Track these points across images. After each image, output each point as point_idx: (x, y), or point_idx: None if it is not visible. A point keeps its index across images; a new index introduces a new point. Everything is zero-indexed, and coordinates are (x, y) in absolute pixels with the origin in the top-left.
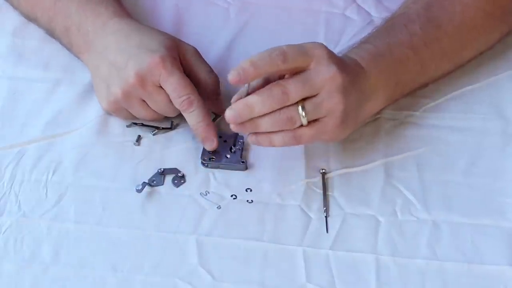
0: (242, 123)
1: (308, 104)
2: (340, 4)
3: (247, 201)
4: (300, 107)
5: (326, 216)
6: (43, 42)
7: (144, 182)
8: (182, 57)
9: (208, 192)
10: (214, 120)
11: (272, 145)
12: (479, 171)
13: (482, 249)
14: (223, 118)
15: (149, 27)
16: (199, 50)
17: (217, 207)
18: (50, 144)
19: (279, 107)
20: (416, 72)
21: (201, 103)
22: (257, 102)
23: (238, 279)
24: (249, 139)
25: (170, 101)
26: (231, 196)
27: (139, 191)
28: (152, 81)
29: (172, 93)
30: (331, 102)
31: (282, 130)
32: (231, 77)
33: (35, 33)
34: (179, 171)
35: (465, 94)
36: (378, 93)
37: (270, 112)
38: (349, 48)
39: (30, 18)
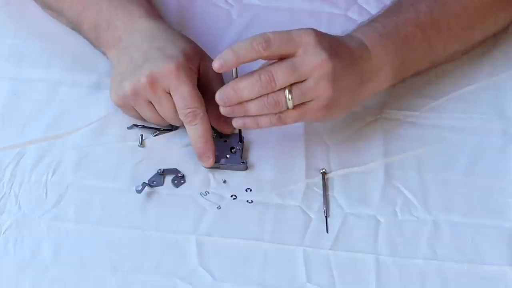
0: (231, 106)
1: (295, 89)
2: (342, 5)
3: (247, 201)
4: (287, 91)
5: (326, 216)
6: (45, 42)
7: (144, 183)
8: (202, 70)
9: (208, 192)
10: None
11: (259, 127)
12: (479, 171)
13: (482, 249)
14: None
15: (178, 32)
16: None
17: (217, 207)
18: (51, 144)
19: (266, 92)
20: (423, 50)
21: (206, 119)
22: (245, 87)
23: (238, 279)
24: (235, 123)
25: (176, 110)
26: (231, 196)
27: (139, 191)
28: (162, 86)
29: (179, 103)
30: (318, 89)
31: (269, 113)
32: (215, 65)
33: (36, 33)
34: (179, 172)
35: (465, 94)
36: (383, 72)
37: (258, 96)
38: (356, 26)
39: (53, 9)
